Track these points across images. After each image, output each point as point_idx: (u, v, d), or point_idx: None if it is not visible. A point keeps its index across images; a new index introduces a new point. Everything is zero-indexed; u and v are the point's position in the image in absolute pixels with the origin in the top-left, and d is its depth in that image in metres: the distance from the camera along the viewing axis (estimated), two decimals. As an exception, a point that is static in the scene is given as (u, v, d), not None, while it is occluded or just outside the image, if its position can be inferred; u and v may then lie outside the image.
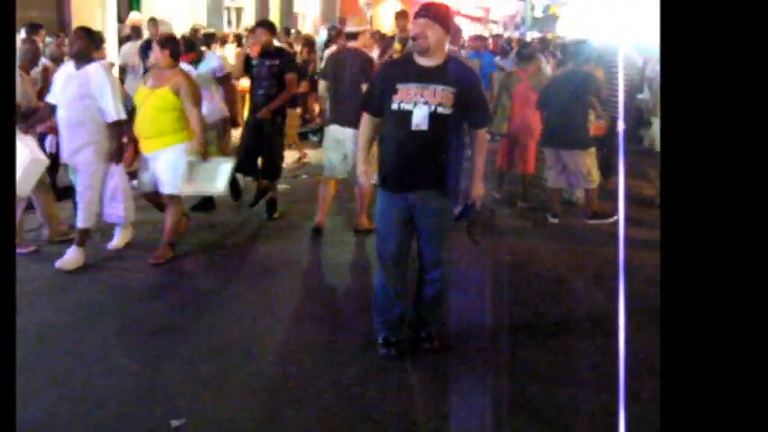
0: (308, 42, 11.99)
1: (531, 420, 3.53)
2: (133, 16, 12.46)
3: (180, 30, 11.97)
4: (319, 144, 11.12)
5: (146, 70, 7.95)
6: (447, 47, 4.08)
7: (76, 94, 5.38)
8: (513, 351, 4.26)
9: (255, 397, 3.70)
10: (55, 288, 5.14)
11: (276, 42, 7.79)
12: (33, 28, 8.23)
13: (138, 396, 3.69)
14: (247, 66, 7.09)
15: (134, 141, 5.82)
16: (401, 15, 9.64)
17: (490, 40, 14.72)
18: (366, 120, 4.19)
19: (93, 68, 5.43)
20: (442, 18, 3.89)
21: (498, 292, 5.14)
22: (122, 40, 11.72)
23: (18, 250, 5.59)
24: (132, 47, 10.19)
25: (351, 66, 6.38)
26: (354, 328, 4.53)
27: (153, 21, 10.60)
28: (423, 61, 3.91)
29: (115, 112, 5.43)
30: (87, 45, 5.52)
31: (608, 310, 4.78)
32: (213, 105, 7.08)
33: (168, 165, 5.65)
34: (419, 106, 3.83)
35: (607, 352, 4.19)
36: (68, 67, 5.56)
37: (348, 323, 4.64)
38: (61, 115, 5.46)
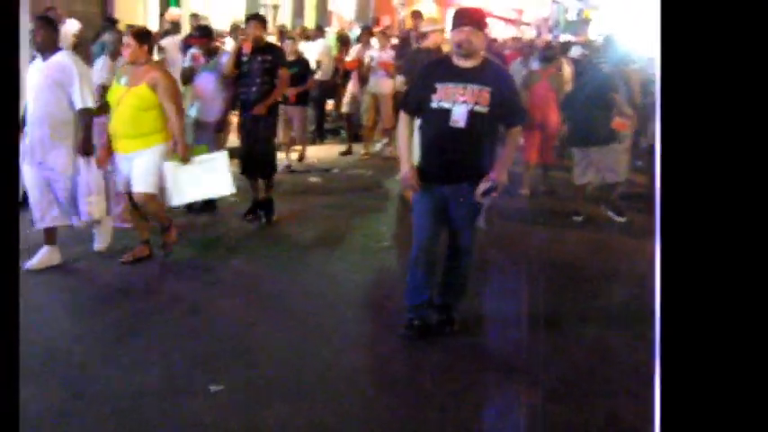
0: (344, 40, 12.32)
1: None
2: (172, 11, 12.79)
3: (218, 26, 12.33)
4: (322, 141, 11.48)
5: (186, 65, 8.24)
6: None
7: (44, 84, 5.20)
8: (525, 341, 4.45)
9: (286, 368, 3.99)
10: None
11: (270, 38, 7.92)
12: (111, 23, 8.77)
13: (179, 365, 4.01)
14: (239, 62, 6.86)
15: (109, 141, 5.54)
16: (415, 15, 10.67)
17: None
18: (403, 120, 4.40)
19: (60, 57, 5.25)
20: (483, 25, 4.22)
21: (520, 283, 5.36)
22: (161, 35, 12.05)
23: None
24: (171, 41, 10.51)
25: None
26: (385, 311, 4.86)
27: (194, 16, 10.98)
28: (461, 63, 4.16)
29: (82, 101, 5.22)
30: (50, 35, 5.30)
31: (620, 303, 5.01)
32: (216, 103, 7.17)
33: (145, 166, 5.38)
34: (458, 105, 4.08)
35: (610, 350, 4.41)
36: (37, 61, 5.37)
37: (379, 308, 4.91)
38: (31, 110, 5.23)
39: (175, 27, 10.94)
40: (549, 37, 22.63)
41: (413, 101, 4.38)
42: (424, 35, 7.37)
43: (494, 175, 4.21)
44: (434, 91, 4.15)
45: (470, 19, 4.16)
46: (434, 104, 4.15)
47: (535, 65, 9.31)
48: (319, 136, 11.77)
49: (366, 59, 10.56)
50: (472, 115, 4.08)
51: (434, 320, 4.51)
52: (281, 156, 8.61)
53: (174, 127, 5.37)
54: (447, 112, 4.10)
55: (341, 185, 8.91)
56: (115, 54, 6.53)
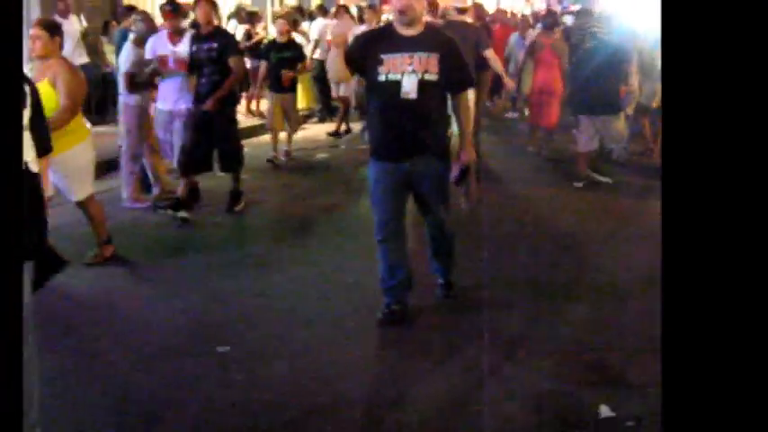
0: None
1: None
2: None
3: (226, 9, 12.51)
4: (331, 119, 11.42)
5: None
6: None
7: None
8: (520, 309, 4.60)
9: (294, 333, 4.17)
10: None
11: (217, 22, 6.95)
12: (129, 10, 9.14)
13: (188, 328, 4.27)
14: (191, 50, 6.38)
15: None
16: None
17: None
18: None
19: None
20: None
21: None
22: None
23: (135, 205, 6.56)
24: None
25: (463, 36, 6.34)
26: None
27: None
28: (405, 31, 4.01)
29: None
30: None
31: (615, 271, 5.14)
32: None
33: (70, 170, 4.91)
34: (407, 75, 3.92)
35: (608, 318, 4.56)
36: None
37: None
38: None
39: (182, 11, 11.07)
40: (558, 8, 22.46)
41: (354, 62, 4.17)
42: (462, 10, 7.68)
43: (464, 157, 4.16)
44: (381, 63, 3.96)
45: None
46: (382, 77, 3.97)
47: (534, 34, 9.52)
48: (328, 113, 11.87)
49: (350, 37, 9.69)
50: (423, 84, 3.93)
51: (437, 285, 4.55)
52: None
53: (54, 119, 4.36)
54: (396, 84, 3.94)
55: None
56: (142, 42, 6.64)
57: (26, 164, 2.62)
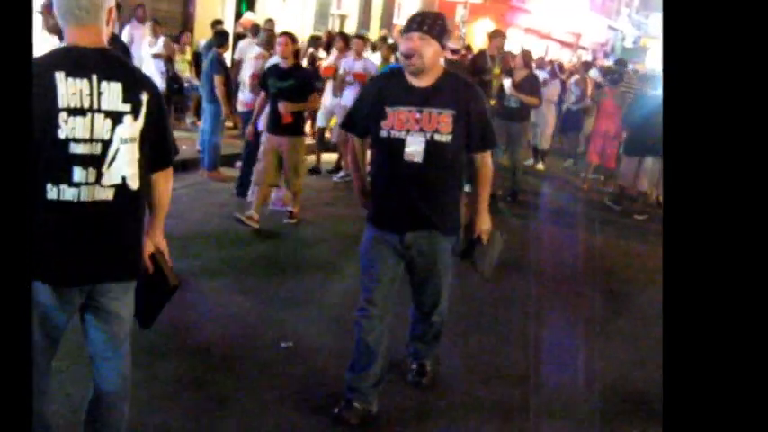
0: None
1: None
2: (248, 16, 13.39)
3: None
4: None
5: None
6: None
7: None
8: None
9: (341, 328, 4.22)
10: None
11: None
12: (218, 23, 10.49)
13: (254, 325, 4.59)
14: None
15: None
16: (496, 35, 9.56)
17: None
18: (351, 143, 3.66)
19: None
20: (439, 31, 3.25)
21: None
22: (236, 37, 12.65)
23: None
24: (249, 43, 11.06)
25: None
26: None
27: (270, 21, 11.55)
28: (415, 81, 3.30)
29: None
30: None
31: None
32: None
33: None
34: (413, 134, 3.26)
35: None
36: None
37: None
38: None
39: (255, 30, 11.49)
40: (605, 62, 22.81)
41: (358, 122, 3.52)
42: (455, 51, 8.31)
43: (478, 227, 3.57)
44: (384, 117, 3.29)
45: (422, 23, 3.22)
46: (384, 134, 3.30)
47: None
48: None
49: (341, 70, 9.34)
50: (431, 146, 3.25)
51: (409, 369, 4.00)
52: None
53: None
54: (400, 144, 3.27)
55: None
56: (268, 47, 7.81)
57: (123, 178, 2.43)
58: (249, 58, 8.90)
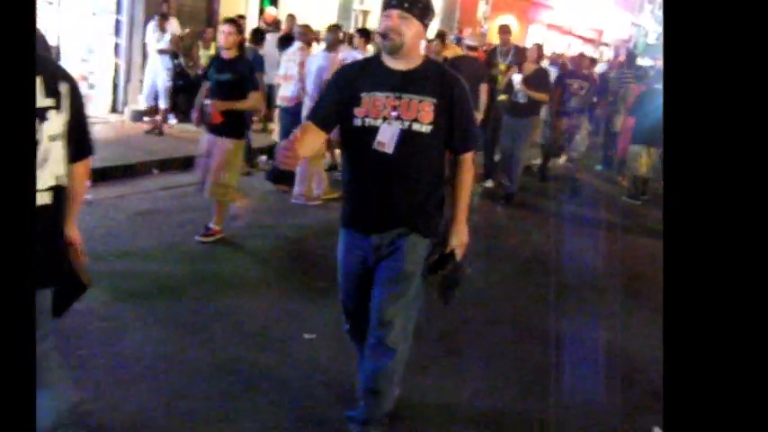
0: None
1: None
2: (269, 11, 13.48)
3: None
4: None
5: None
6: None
7: None
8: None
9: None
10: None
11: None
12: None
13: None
14: None
15: None
16: (502, 30, 9.84)
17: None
18: (305, 128, 2.98)
19: None
20: (421, 9, 2.91)
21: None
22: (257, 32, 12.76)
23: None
24: (271, 39, 11.14)
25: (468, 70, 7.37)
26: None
27: (291, 16, 11.65)
28: (394, 64, 2.96)
29: None
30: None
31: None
32: None
33: None
34: (389, 122, 2.90)
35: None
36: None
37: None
38: None
39: (276, 25, 11.56)
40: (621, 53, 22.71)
41: (321, 111, 3.04)
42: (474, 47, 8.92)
43: (453, 240, 3.07)
44: (358, 104, 2.94)
45: (401, 0, 2.86)
46: (358, 122, 2.93)
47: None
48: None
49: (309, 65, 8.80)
50: (407, 136, 2.89)
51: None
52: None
53: None
54: (375, 133, 2.91)
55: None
56: (334, 46, 7.89)
57: (58, 178, 2.31)
58: (289, 52, 8.62)
